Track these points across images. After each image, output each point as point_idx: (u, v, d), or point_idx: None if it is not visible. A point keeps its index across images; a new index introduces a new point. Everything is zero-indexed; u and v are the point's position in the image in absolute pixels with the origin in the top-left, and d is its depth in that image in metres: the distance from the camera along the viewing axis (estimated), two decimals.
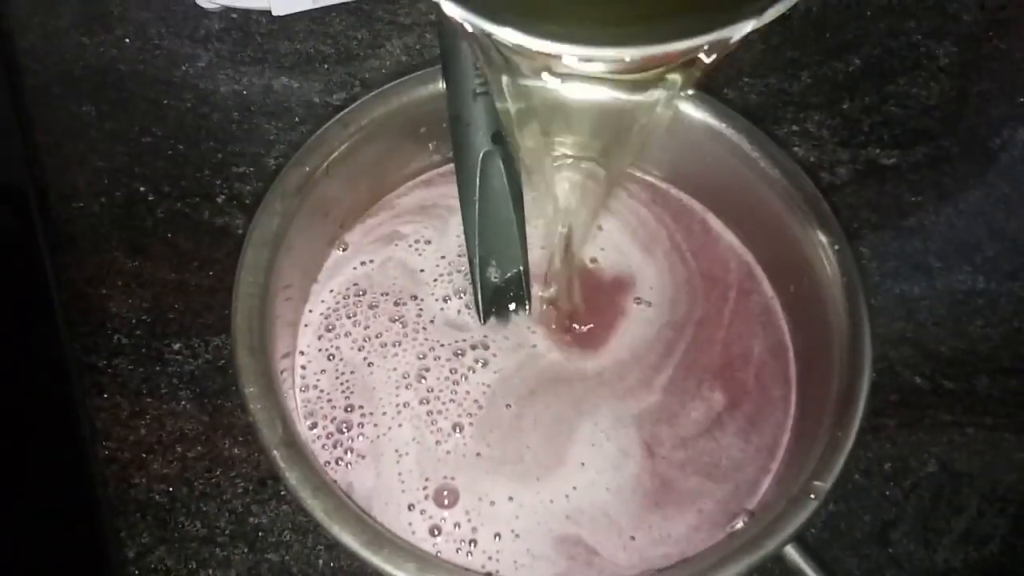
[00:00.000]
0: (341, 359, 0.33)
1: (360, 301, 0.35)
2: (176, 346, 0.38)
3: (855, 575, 0.34)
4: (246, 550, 0.34)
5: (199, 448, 0.36)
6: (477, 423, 0.31)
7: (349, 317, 0.34)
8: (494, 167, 0.32)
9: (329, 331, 0.34)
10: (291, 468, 0.26)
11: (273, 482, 0.35)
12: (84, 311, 0.39)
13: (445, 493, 0.30)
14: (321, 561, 0.34)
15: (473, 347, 0.33)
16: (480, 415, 0.31)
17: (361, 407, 0.32)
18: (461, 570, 0.27)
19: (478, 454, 0.30)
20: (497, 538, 0.29)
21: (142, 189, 0.42)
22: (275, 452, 0.26)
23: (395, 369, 0.33)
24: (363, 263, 0.35)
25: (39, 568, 0.33)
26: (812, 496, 0.27)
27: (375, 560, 0.25)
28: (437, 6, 0.21)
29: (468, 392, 0.32)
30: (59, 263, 0.40)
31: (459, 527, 0.30)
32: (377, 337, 0.33)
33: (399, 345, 0.33)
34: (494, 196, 0.32)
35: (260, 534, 0.35)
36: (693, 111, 0.34)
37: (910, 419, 0.38)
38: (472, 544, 0.29)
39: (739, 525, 0.29)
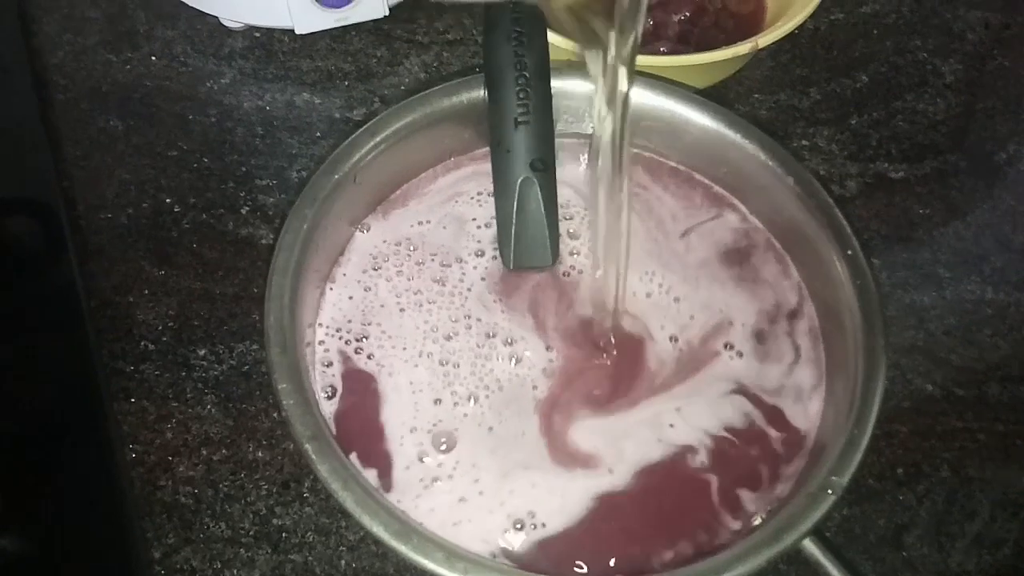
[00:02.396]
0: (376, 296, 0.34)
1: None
2: (201, 352, 0.39)
3: (856, 569, 0.35)
4: (270, 551, 0.35)
5: (224, 451, 0.37)
6: (494, 400, 0.32)
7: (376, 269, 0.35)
8: (531, 193, 0.33)
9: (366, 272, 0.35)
10: (322, 460, 0.27)
11: (296, 484, 0.36)
12: (112, 318, 0.40)
13: (444, 440, 0.31)
14: (343, 562, 0.34)
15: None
16: (499, 395, 0.32)
17: (380, 324, 0.33)
18: (486, 559, 0.28)
19: (491, 428, 0.31)
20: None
21: (168, 201, 0.43)
22: (307, 446, 0.27)
23: (426, 322, 0.33)
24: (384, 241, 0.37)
25: (68, 568, 0.33)
26: (830, 491, 0.28)
27: (404, 549, 0.26)
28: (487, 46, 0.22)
29: (492, 371, 0.33)
30: (88, 272, 0.41)
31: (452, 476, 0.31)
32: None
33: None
34: (531, 222, 0.34)
35: (284, 535, 0.35)
36: (708, 121, 0.35)
37: (922, 426, 0.38)
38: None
39: (758, 520, 0.29)
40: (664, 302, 0.34)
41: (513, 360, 0.32)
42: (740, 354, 0.34)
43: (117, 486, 0.35)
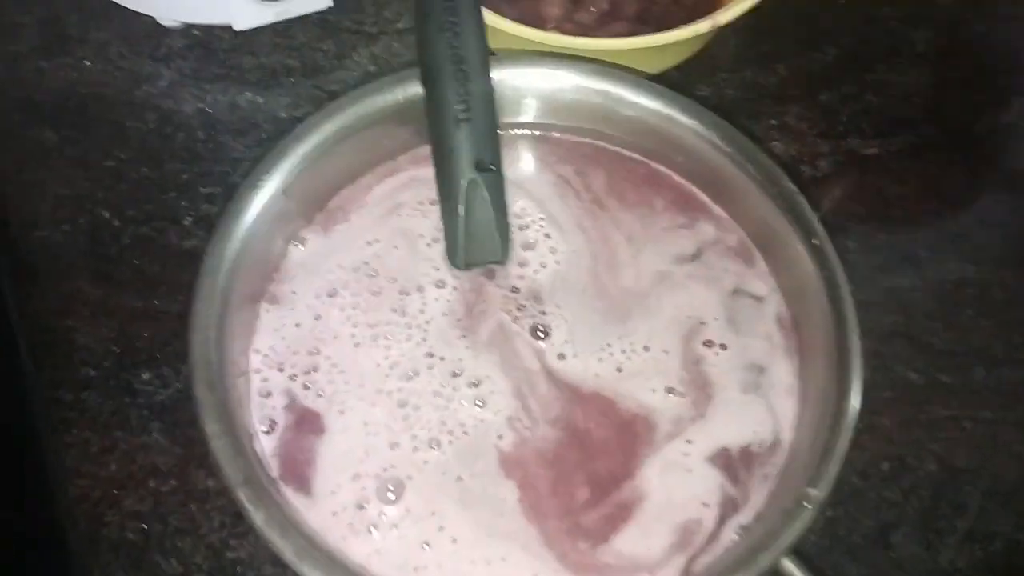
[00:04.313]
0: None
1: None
2: (145, 376, 0.37)
3: None
4: None
5: (172, 482, 0.35)
6: (458, 448, 0.29)
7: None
8: (478, 196, 0.31)
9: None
10: (257, 508, 0.25)
11: None
12: (49, 344, 0.38)
13: (391, 487, 0.28)
14: None
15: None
16: (465, 441, 0.30)
17: (329, 357, 0.30)
18: None
19: (459, 478, 0.29)
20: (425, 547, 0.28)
21: (106, 215, 0.41)
22: (240, 492, 0.25)
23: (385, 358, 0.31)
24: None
25: None
26: (807, 504, 0.26)
27: None
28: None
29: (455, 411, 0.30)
30: (22, 295, 0.38)
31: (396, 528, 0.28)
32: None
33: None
34: (479, 226, 0.31)
35: (238, 569, 0.33)
36: (663, 107, 0.33)
37: (906, 416, 0.37)
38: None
39: (734, 538, 0.28)
40: (637, 364, 0.31)
41: (478, 404, 0.30)
42: (724, 347, 0.32)
43: (59, 525, 0.34)
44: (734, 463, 0.30)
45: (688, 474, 0.30)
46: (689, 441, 0.30)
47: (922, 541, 0.35)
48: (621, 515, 0.29)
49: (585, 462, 0.29)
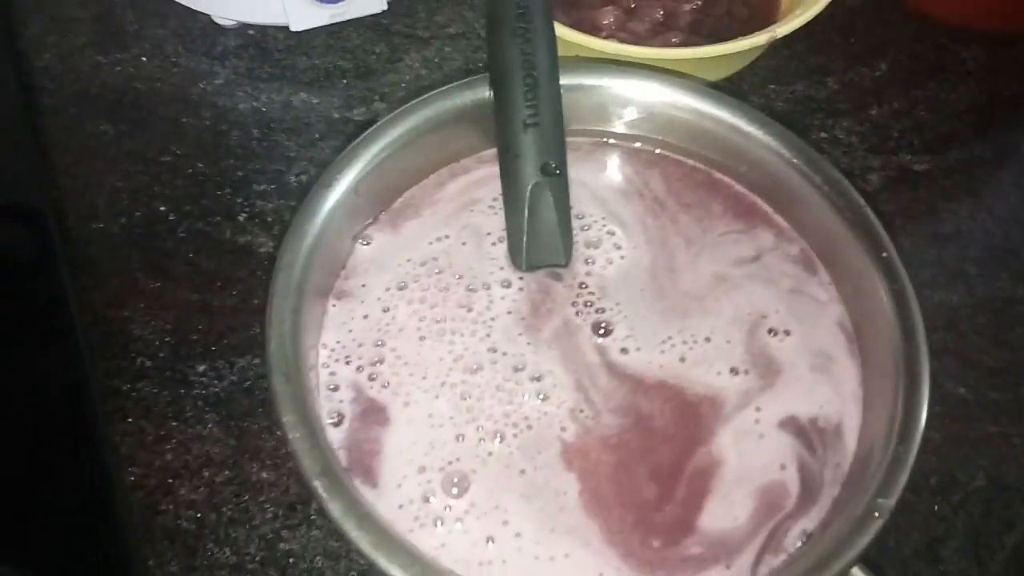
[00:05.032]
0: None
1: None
2: (201, 368, 0.37)
3: None
4: None
5: (227, 472, 0.35)
6: (521, 440, 0.29)
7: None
8: (543, 199, 0.31)
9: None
10: (333, 498, 0.25)
11: (303, 507, 0.35)
12: (106, 334, 0.38)
13: (455, 480, 0.28)
14: None
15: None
16: (528, 434, 0.30)
17: (394, 349, 0.31)
18: None
19: (522, 471, 0.29)
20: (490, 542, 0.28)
21: (162, 209, 0.42)
22: (316, 483, 0.25)
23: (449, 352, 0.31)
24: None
25: None
26: (876, 515, 0.26)
27: None
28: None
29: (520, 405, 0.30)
30: (80, 286, 0.39)
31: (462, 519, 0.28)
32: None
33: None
34: (543, 228, 0.32)
35: (291, 560, 0.34)
36: (728, 116, 0.34)
37: (956, 432, 0.37)
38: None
39: (798, 545, 0.28)
40: (700, 353, 0.31)
41: (540, 397, 0.30)
42: (788, 332, 0.32)
43: (115, 512, 0.34)
44: (806, 431, 0.30)
45: (761, 440, 0.30)
46: (759, 408, 0.30)
47: (971, 556, 0.34)
48: (699, 491, 0.29)
49: (650, 449, 0.30)
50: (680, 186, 0.35)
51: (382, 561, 0.24)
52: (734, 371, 0.31)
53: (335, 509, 0.25)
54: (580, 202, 0.34)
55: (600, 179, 0.35)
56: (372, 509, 0.26)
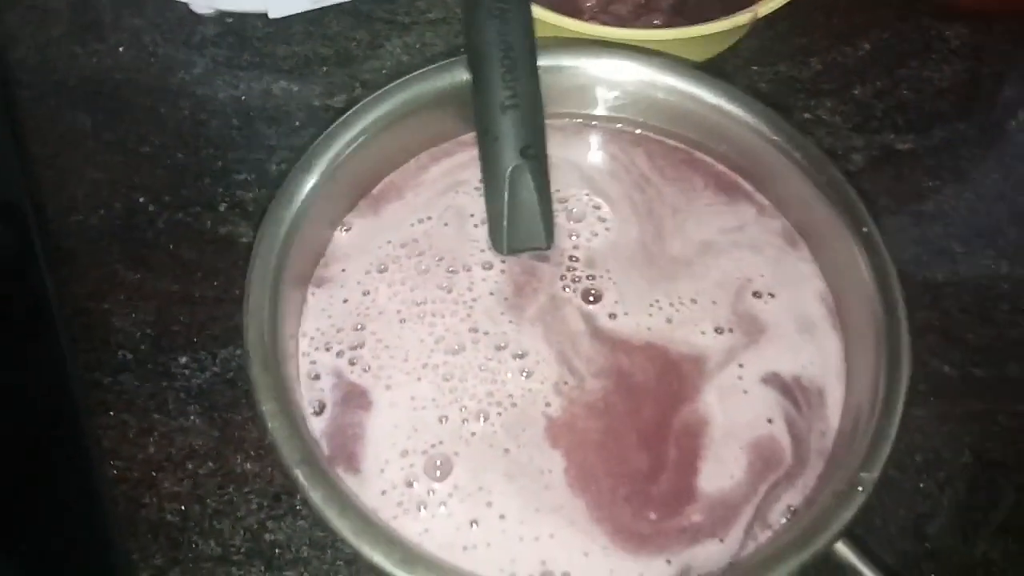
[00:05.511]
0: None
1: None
2: (183, 360, 0.37)
3: (892, 571, 0.33)
4: (263, 568, 0.33)
5: (210, 464, 0.35)
6: (506, 419, 0.29)
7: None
8: (523, 181, 0.31)
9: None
10: (314, 487, 0.25)
11: (288, 497, 0.34)
12: (87, 327, 0.38)
13: (439, 463, 0.28)
14: None
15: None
16: (512, 412, 0.29)
17: (375, 333, 0.31)
18: None
19: (506, 450, 0.29)
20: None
21: (142, 200, 0.41)
22: (297, 471, 0.25)
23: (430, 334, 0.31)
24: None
25: None
26: (860, 488, 0.26)
27: None
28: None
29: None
30: (59, 278, 0.38)
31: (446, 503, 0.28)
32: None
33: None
34: (523, 210, 0.31)
35: (277, 551, 0.33)
36: (708, 95, 0.33)
37: (941, 409, 0.37)
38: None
39: (782, 521, 0.28)
40: (686, 314, 0.32)
41: (523, 374, 0.30)
42: (772, 295, 0.32)
43: (99, 505, 0.34)
44: (791, 389, 0.30)
45: (745, 395, 0.30)
46: (741, 365, 0.31)
47: (957, 532, 0.35)
48: (690, 451, 0.29)
49: (635, 409, 0.30)
50: (664, 163, 0.35)
51: (365, 549, 0.24)
52: (719, 330, 0.31)
53: (317, 498, 0.25)
54: (565, 181, 0.34)
55: (584, 158, 0.35)
56: (354, 496, 0.26)
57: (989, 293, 0.40)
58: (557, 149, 0.34)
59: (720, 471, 0.29)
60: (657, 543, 0.28)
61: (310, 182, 0.30)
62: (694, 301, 0.32)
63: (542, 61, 0.32)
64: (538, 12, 0.37)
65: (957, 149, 0.44)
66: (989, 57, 0.47)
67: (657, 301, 0.32)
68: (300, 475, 0.25)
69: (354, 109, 0.32)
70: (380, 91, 0.32)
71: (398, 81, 0.32)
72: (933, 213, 0.42)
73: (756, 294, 0.32)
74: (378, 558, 0.24)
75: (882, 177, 0.43)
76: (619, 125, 0.36)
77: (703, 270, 0.33)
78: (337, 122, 0.32)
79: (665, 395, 0.30)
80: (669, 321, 0.31)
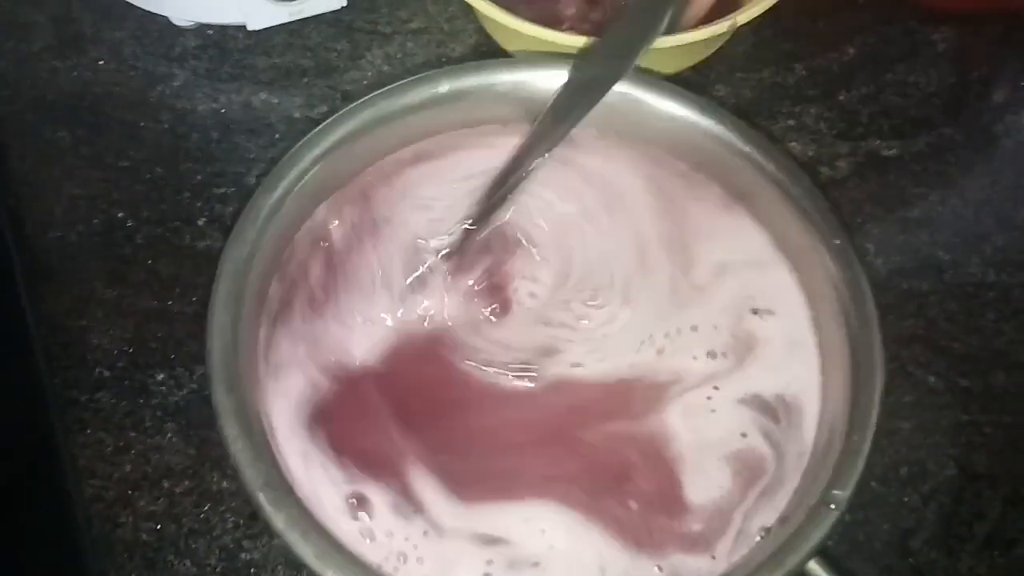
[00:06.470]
0: None
1: None
2: (160, 377, 0.37)
3: None
4: None
5: (187, 483, 0.35)
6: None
7: None
8: None
9: None
10: (278, 511, 0.24)
11: None
12: (64, 344, 0.38)
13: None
14: None
15: None
16: None
17: None
18: None
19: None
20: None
21: (120, 215, 0.41)
22: (260, 495, 0.25)
23: None
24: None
25: None
26: (832, 506, 0.26)
27: None
28: None
29: None
30: (36, 295, 0.38)
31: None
32: None
33: None
34: None
35: (252, 570, 0.33)
36: (678, 110, 0.33)
37: (926, 421, 0.36)
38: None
39: (757, 539, 0.27)
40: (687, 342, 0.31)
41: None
42: (771, 312, 0.32)
43: (74, 525, 0.33)
44: (770, 407, 0.30)
45: (713, 414, 0.30)
46: (716, 388, 0.31)
47: (942, 547, 0.34)
48: (656, 460, 0.29)
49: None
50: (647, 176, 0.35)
51: (329, 573, 0.24)
52: (711, 355, 0.31)
53: (279, 521, 0.24)
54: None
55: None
56: (319, 519, 0.26)
57: (975, 301, 0.39)
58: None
59: (704, 483, 0.29)
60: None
61: (274, 199, 0.30)
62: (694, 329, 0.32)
63: (510, 77, 0.32)
64: (515, 23, 0.37)
65: (944, 155, 0.43)
66: (976, 60, 0.46)
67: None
68: (263, 499, 0.25)
69: (323, 124, 0.31)
70: (352, 105, 0.32)
71: (372, 95, 0.32)
72: (919, 220, 0.41)
73: (755, 311, 0.32)
74: None
75: (867, 184, 0.42)
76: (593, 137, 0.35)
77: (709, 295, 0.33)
78: (304, 138, 0.31)
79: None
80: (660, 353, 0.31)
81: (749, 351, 0.31)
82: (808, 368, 0.31)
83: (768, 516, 0.28)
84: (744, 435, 0.29)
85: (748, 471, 0.29)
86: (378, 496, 0.28)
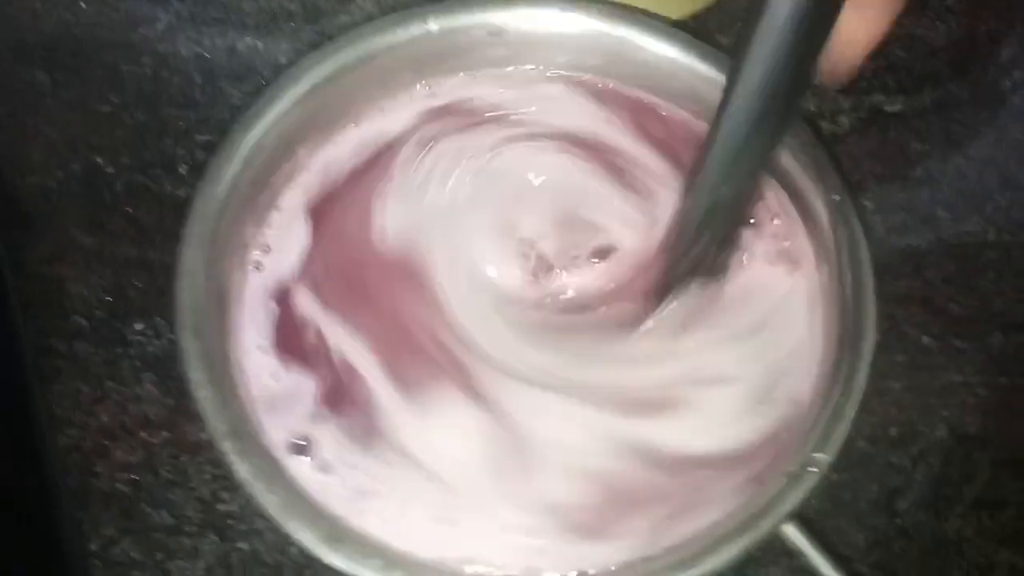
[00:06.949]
0: None
1: None
2: (138, 326, 0.36)
3: (861, 548, 0.33)
4: (216, 539, 0.33)
5: (164, 433, 0.34)
6: None
7: None
8: None
9: None
10: (242, 460, 0.24)
11: None
12: (41, 292, 0.37)
13: None
14: (294, 549, 0.32)
15: None
16: None
17: None
18: (427, 568, 0.25)
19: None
20: None
21: (100, 161, 0.40)
22: (225, 443, 0.24)
23: None
24: None
25: None
26: (813, 469, 0.25)
27: (334, 559, 0.23)
28: None
29: None
30: (13, 242, 0.37)
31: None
32: None
33: None
34: None
35: (230, 522, 0.33)
36: (681, 56, 0.32)
37: (918, 381, 0.36)
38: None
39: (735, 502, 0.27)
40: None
41: None
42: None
43: (49, 475, 0.33)
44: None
45: None
46: None
47: (929, 508, 0.34)
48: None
49: None
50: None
51: (292, 527, 0.23)
52: None
53: (244, 471, 0.24)
54: None
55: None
56: (286, 471, 0.26)
57: (974, 262, 0.38)
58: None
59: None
60: None
61: (252, 141, 0.29)
62: None
63: (512, 16, 0.31)
64: None
65: (949, 111, 0.42)
66: (986, 15, 0.45)
67: None
68: (228, 448, 0.24)
69: (297, 63, 0.30)
70: (328, 43, 0.31)
71: (348, 33, 0.31)
72: (920, 178, 0.40)
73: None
74: (304, 535, 0.23)
75: (868, 140, 0.41)
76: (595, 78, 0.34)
77: None
78: (279, 78, 0.30)
79: None
80: None
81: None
82: (811, 328, 0.30)
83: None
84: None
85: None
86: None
